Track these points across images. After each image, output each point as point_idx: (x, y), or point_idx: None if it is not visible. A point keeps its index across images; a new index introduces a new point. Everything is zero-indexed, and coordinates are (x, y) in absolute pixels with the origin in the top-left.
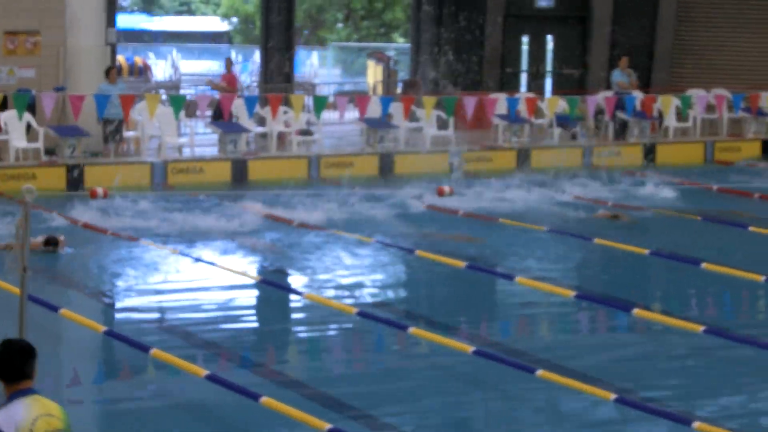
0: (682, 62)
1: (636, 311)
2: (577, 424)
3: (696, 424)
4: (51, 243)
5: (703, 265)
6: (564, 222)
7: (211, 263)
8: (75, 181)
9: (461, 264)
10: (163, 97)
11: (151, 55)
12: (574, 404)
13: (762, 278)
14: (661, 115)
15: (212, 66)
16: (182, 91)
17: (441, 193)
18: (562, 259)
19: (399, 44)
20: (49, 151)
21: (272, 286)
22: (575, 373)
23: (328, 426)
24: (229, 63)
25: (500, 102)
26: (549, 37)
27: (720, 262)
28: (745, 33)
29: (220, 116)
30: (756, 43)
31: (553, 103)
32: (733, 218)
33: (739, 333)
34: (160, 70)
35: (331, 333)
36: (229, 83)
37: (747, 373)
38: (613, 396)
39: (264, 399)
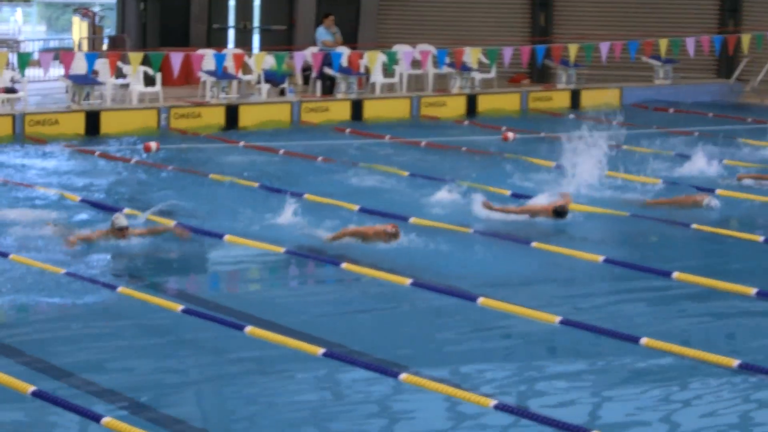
0: (387, 18)
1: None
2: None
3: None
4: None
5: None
6: None
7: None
8: None
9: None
10: None
11: None
12: (284, 359)
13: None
14: (368, 71)
15: None
16: None
17: (148, 150)
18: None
19: (104, 0)
20: None
21: None
22: (284, 329)
23: None
24: None
25: (207, 58)
26: None
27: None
28: None
29: None
30: None
31: (260, 59)
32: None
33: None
34: None
35: None
36: None
37: None
38: (321, 351)
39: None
